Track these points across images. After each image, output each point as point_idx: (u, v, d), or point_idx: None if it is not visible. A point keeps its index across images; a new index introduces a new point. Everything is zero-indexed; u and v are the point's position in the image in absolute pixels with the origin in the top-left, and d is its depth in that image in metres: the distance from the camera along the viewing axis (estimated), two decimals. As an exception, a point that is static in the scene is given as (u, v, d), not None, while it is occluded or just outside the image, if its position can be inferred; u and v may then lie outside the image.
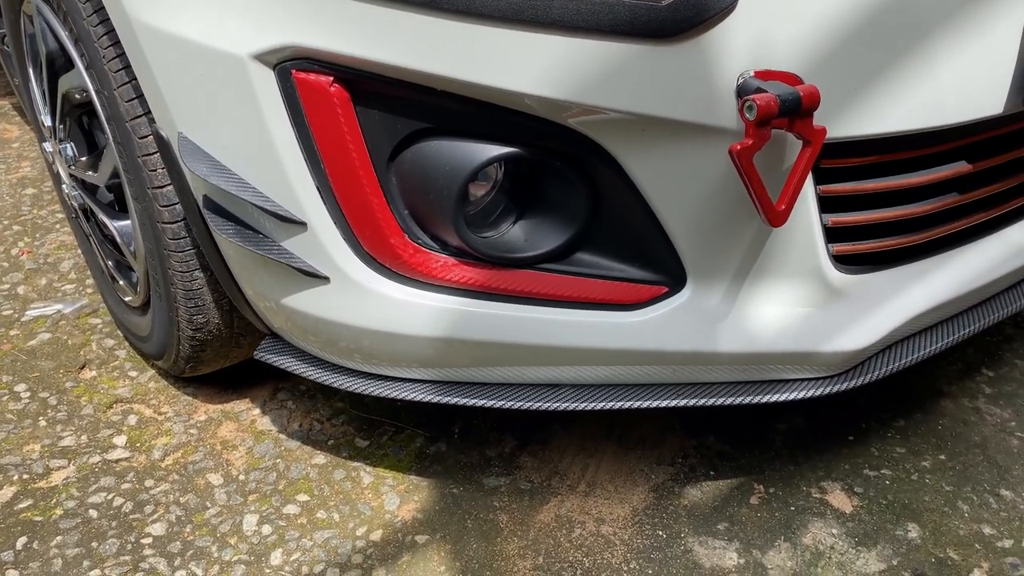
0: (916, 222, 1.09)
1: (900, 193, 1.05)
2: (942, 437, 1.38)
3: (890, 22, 0.92)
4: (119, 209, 1.39)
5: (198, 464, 1.33)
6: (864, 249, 1.06)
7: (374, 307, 1.06)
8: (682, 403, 1.10)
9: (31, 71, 1.48)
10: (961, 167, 1.07)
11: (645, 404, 1.10)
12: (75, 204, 1.50)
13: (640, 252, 1.04)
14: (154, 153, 1.11)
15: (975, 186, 1.12)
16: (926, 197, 1.08)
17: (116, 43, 1.09)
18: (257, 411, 1.43)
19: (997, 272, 1.18)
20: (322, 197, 1.00)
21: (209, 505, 1.26)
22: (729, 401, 1.10)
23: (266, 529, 1.22)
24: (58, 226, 1.94)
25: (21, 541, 1.20)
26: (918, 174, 1.04)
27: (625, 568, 1.17)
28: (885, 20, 0.92)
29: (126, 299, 1.45)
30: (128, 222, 1.32)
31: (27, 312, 1.66)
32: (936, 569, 1.17)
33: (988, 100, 0.99)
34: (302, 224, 1.01)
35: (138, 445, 1.36)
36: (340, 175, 0.98)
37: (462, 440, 1.38)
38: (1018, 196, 1.20)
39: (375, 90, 0.95)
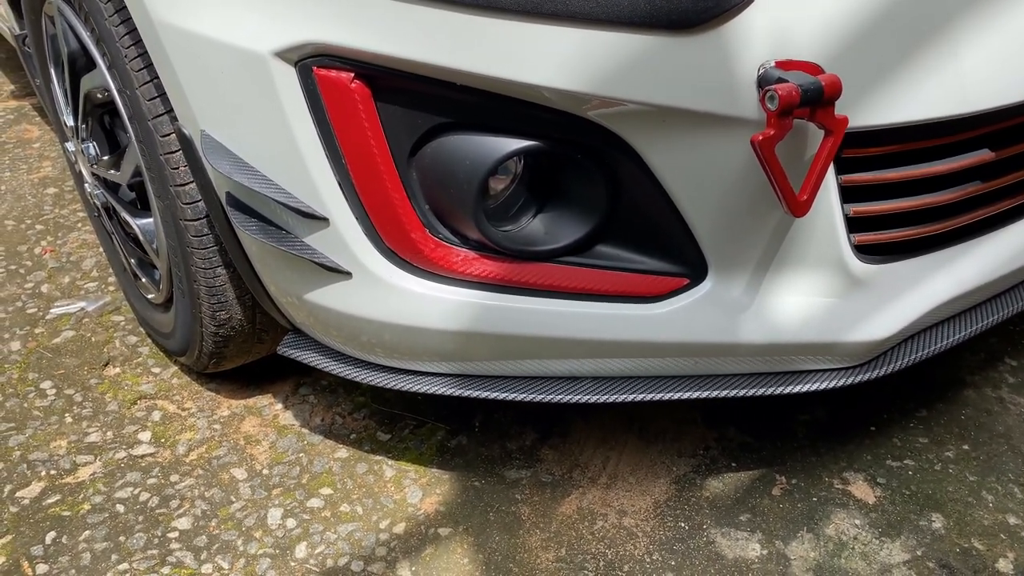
0: (939, 211, 1.08)
1: (923, 182, 1.05)
2: (965, 427, 1.37)
3: (911, 9, 0.91)
4: (141, 207, 1.40)
5: (222, 459, 1.34)
6: (886, 239, 1.05)
7: (395, 301, 1.06)
8: (703, 395, 1.10)
9: (53, 71, 1.49)
10: (985, 155, 1.06)
11: (666, 396, 1.10)
12: (97, 203, 1.52)
13: (661, 244, 1.04)
14: (176, 151, 1.12)
15: (999, 174, 1.11)
16: (949, 185, 1.07)
17: (138, 42, 1.10)
18: (279, 406, 1.44)
19: (1022, 260, 1.17)
20: (343, 193, 1.01)
21: (234, 499, 1.27)
22: (751, 392, 1.10)
23: (290, 523, 1.23)
24: (80, 225, 1.96)
25: (50, 536, 1.22)
26: (941, 162, 1.03)
27: (648, 560, 1.17)
28: (906, 7, 0.91)
29: (149, 296, 1.46)
30: (150, 220, 1.34)
31: (51, 310, 1.68)
32: (961, 559, 1.16)
33: (1011, 86, 0.98)
34: (324, 220, 1.02)
35: (163, 440, 1.38)
36: (361, 171, 0.99)
37: (483, 433, 1.38)
38: (1042, 183, 1.19)
39: (395, 86, 0.95)
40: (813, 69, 0.88)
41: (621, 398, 1.11)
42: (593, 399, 1.12)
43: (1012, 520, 1.21)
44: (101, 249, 1.85)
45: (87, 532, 1.22)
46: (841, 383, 1.10)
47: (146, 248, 1.38)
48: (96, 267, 1.80)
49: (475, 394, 1.14)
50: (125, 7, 1.09)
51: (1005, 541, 1.18)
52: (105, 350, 1.57)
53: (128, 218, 1.40)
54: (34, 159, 2.27)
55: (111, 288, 1.73)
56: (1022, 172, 1.13)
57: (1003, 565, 1.15)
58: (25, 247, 1.88)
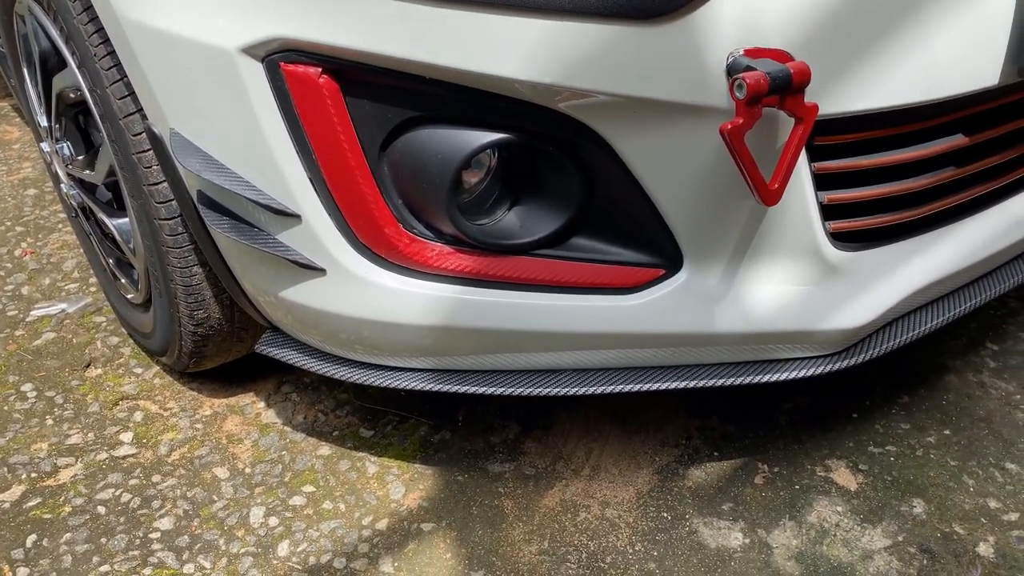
0: (914, 197, 1.08)
1: (896, 168, 1.05)
2: (947, 412, 1.37)
3: (881, -5, 0.91)
4: (117, 207, 1.40)
5: (204, 458, 1.34)
6: (861, 226, 1.05)
7: (371, 297, 1.06)
8: (682, 385, 1.10)
9: (26, 71, 1.48)
10: (958, 140, 1.06)
11: (645, 387, 1.10)
12: (74, 203, 1.51)
13: (636, 235, 1.04)
14: (148, 150, 1.11)
15: (973, 159, 1.11)
16: (923, 171, 1.07)
17: (106, 40, 1.09)
18: (262, 404, 1.44)
19: (998, 245, 1.17)
20: (315, 189, 1.00)
21: (216, 499, 1.27)
22: (729, 382, 1.10)
23: (273, 521, 1.23)
24: (60, 226, 1.95)
25: (31, 539, 1.21)
26: (914, 148, 1.03)
27: (631, 550, 1.17)
28: (876, -7, 0.91)
29: (128, 296, 1.45)
30: (126, 220, 1.33)
31: (32, 312, 1.67)
32: (942, 544, 1.16)
33: (983, 71, 0.98)
34: (296, 216, 1.01)
35: (144, 441, 1.37)
36: (332, 166, 0.98)
37: (466, 428, 1.38)
38: (1017, 168, 1.19)
39: (364, 80, 0.95)
40: (782, 57, 0.88)
41: (600, 390, 1.11)
42: (573, 391, 1.12)
43: (993, 504, 1.22)
44: (82, 250, 1.84)
45: (68, 534, 1.22)
46: (819, 371, 1.10)
47: (123, 248, 1.38)
48: (77, 268, 1.79)
49: (455, 389, 1.14)
50: (92, 5, 1.08)
51: (986, 525, 1.19)
52: (86, 351, 1.56)
53: (104, 218, 1.39)
54: (14, 160, 2.26)
55: (92, 289, 1.72)
56: (996, 157, 1.13)
57: (983, 549, 1.15)
58: (5, 249, 1.87)
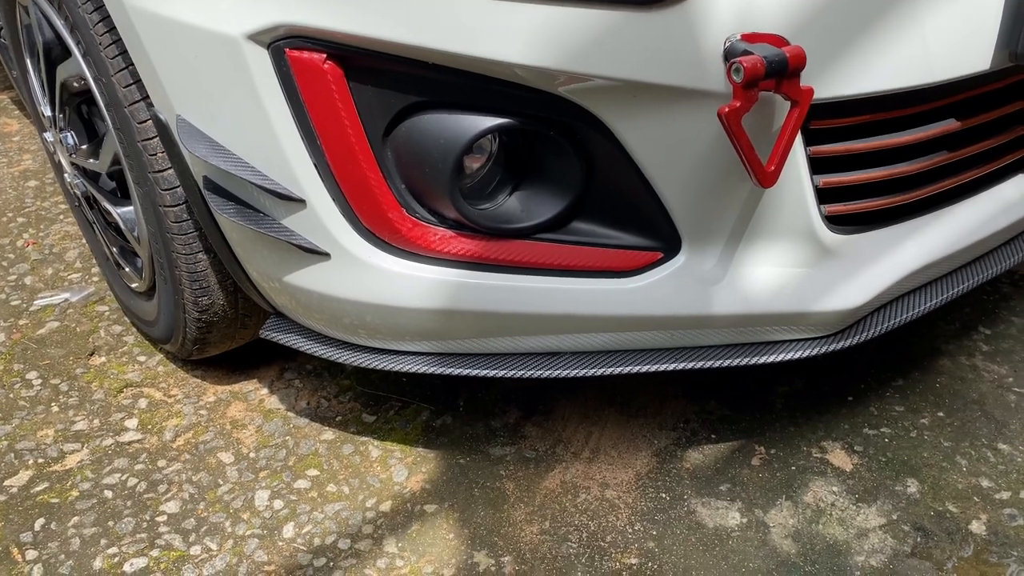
0: (907, 181, 1.10)
1: (890, 152, 1.07)
2: (940, 395, 1.40)
3: (875, -19, 0.93)
4: (121, 195, 1.41)
5: (209, 444, 1.36)
6: (856, 209, 1.07)
7: (374, 281, 1.08)
8: (680, 366, 1.12)
9: (29, 62, 1.49)
10: (950, 125, 1.08)
11: (644, 369, 1.12)
12: (78, 192, 1.52)
13: (635, 219, 1.06)
14: (154, 137, 1.13)
15: (965, 143, 1.13)
16: (917, 156, 1.09)
17: (112, 29, 1.11)
18: (265, 391, 1.46)
19: (990, 228, 1.19)
20: (320, 174, 1.02)
21: (221, 482, 1.29)
22: (726, 363, 1.12)
23: (278, 504, 1.25)
24: (62, 217, 1.96)
25: (39, 522, 1.23)
26: (907, 133, 1.05)
27: (630, 530, 1.19)
28: (870, -21, 0.93)
29: (132, 285, 1.47)
30: (131, 208, 1.34)
31: (35, 302, 1.68)
32: (935, 522, 1.19)
33: (974, 56, 1.00)
34: (301, 201, 1.03)
35: (149, 427, 1.39)
36: (336, 152, 1.00)
37: (467, 412, 1.40)
38: (1009, 153, 1.21)
39: (368, 65, 0.96)
40: (778, 41, 0.89)
41: (600, 372, 1.13)
42: (573, 373, 1.14)
43: (985, 483, 1.24)
44: (84, 240, 1.85)
45: (76, 518, 1.23)
46: (815, 352, 1.12)
47: (127, 236, 1.39)
48: (79, 258, 1.81)
49: (457, 372, 1.16)
50: (98, -6, 1.09)
51: (978, 504, 1.21)
52: (90, 340, 1.58)
53: (108, 207, 1.40)
54: (14, 152, 2.27)
55: (95, 278, 1.74)
56: (989, 141, 1.15)
57: (976, 527, 1.18)
58: (7, 240, 1.88)
